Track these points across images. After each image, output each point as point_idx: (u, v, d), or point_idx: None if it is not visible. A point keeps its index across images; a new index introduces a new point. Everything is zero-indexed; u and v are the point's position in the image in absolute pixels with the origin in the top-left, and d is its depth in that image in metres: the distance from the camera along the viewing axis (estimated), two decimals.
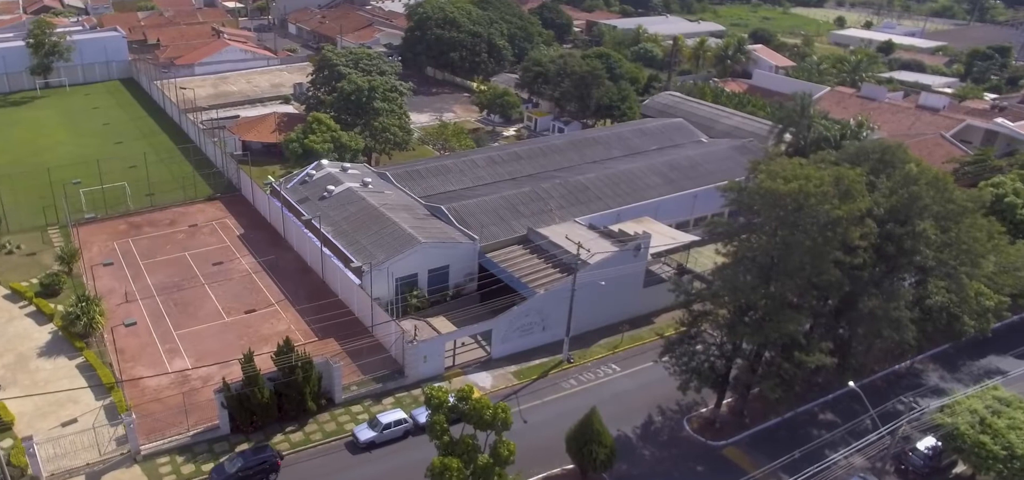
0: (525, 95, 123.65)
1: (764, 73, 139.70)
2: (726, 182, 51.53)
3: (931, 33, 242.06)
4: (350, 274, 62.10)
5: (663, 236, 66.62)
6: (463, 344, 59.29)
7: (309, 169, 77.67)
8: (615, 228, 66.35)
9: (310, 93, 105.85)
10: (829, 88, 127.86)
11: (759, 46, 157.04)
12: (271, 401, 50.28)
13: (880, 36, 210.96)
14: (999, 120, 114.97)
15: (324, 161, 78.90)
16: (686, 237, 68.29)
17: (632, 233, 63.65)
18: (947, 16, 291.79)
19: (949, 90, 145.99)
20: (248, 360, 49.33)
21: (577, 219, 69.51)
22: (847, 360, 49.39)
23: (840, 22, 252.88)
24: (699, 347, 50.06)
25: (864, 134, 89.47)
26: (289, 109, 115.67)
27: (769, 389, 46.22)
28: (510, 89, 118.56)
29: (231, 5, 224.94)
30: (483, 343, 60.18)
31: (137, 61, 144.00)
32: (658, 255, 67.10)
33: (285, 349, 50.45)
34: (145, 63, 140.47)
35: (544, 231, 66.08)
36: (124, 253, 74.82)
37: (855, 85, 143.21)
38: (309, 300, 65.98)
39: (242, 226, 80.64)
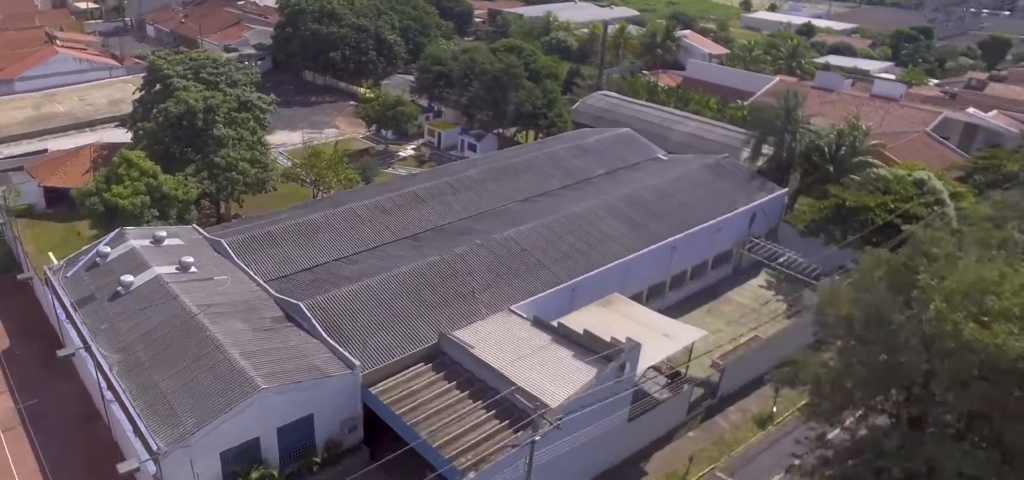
0: (424, 101, 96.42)
1: (698, 63, 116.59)
2: (825, 289, 26.50)
3: (836, 15, 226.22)
4: (137, 449, 34.24)
5: (649, 329, 41.27)
6: None
7: (102, 244, 48.49)
8: (575, 323, 40.60)
9: (139, 116, 75.80)
10: (776, 78, 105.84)
11: (688, 32, 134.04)
12: None
13: (789, 18, 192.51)
14: (971, 111, 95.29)
15: (128, 230, 49.96)
16: (689, 332, 43.05)
17: (609, 340, 37.82)
18: None
19: (892, 76, 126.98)
20: None
21: (513, 307, 43.42)
22: None
23: (746, 5, 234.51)
24: None
25: (860, 139, 66.76)
26: (124, 136, 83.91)
27: None
28: (404, 96, 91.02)
29: (83, 5, 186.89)
30: None
31: None
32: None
33: None
34: None
35: (465, 336, 39.75)
36: None
37: (793, 72, 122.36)
38: None
39: (8, 332, 50.90)
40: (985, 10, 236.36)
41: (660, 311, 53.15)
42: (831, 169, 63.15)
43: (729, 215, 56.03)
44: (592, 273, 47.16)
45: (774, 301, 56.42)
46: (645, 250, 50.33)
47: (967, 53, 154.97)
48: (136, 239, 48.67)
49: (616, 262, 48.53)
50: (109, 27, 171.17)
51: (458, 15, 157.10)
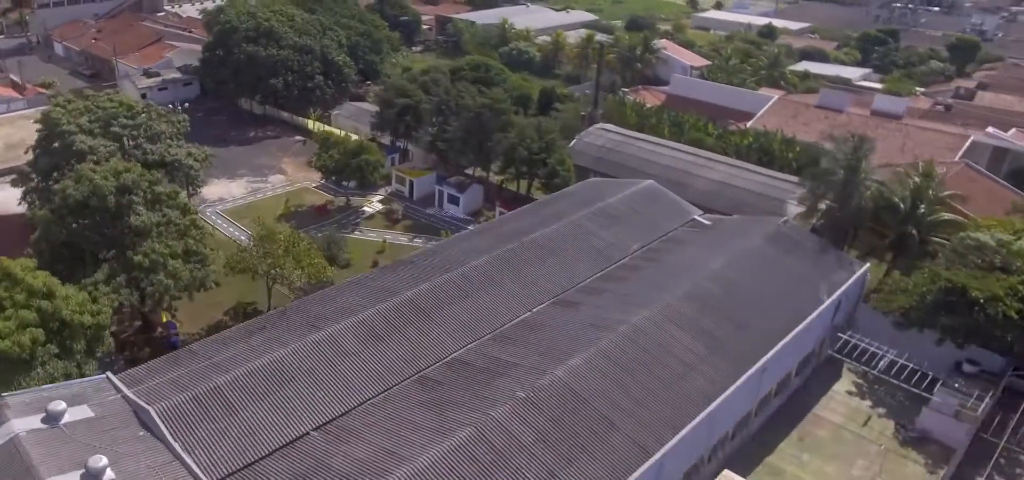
0: (386, 139, 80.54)
1: (682, 78, 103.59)
2: None
3: (781, 12, 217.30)
4: None
5: None
6: None
7: None
8: None
9: (37, 185, 58.20)
10: (776, 95, 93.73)
11: (665, 42, 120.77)
12: None
13: (750, 19, 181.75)
14: (991, 130, 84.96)
15: (9, 402, 33.26)
16: None
17: None
18: None
19: (878, 85, 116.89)
20: None
21: None
22: None
23: (693, 3, 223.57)
24: None
25: (936, 191, 54.48)
26: (20, 202, 62.90)
27: None
28: (365, 139, 74.86)
29: None
30: None
31: None
32: None
33: None
34: None
35: None
36: None
37: (777, 83, 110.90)
38: None
39: None
40: (922, 7, 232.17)
41: (745, 445, 39.90)
42: (915, 232, 50.59)
43: (817, 311, 42.70)
44: (677, 438, 32.91)
45: (876, 418, 43.53)
46: (732, 388, 36.37)
47: (933, 55, 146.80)
48: (20, 418, 32.25)
49: (702, 416, 34.41)
50: (11, 44, 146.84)
51: (405, 25, 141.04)
